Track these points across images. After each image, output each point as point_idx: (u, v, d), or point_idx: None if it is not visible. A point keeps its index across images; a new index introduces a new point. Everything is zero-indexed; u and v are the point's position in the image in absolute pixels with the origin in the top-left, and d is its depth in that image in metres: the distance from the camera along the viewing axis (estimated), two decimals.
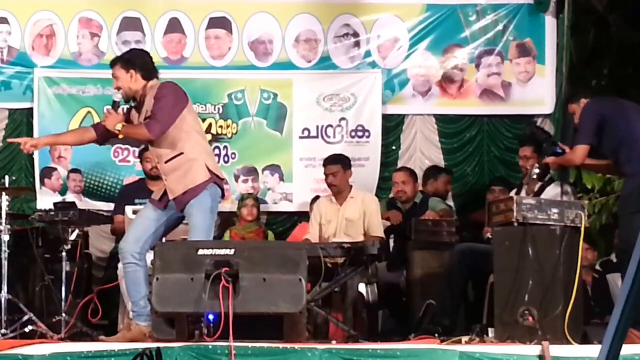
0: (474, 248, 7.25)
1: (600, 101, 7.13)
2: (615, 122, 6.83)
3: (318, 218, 8.05)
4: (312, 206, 8.77)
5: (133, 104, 6.47)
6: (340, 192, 8.04)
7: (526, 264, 6.13)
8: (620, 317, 2.77)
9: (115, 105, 6.38)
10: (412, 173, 8.62)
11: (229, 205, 9.20)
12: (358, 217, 7.90)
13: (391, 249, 8.23)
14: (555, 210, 6.26)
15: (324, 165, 8.21)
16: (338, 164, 8.08)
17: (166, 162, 6.33)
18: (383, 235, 7.91)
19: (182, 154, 6.32)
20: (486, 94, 9.46)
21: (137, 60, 6.43)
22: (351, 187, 8.11)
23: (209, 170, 6.33)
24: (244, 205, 8.78)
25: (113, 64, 6.48)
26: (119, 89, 6.36)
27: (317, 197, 8.75)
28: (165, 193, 6.36)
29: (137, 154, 9.00)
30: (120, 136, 6.41)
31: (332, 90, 9.36)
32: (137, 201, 8.12)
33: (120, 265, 7.76)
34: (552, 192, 7.29)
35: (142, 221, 6.39)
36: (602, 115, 6.86)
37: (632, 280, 2.74)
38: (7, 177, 7.48)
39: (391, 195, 8.79)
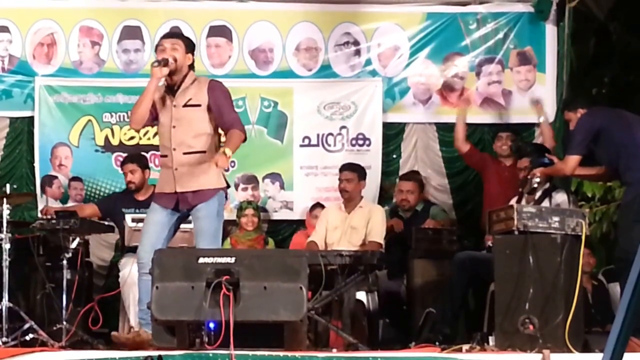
0: (474, 256, 7.27)
1: (596, 112, 7.17)
2: (613, 132, 6.88)
3: (325, 222, 8.15)
4: (310, 213, 8.81)
5: (162, 83, 6.44)
6: (351, 199, 8.17)
7: (527, 272, 6.14)
8: (621, 325, 2.77)
9: (163, 62, 6.32)
10: (420, 183, 8.64)
11: (227, 214, 9.19)
12: (363, 225, 8.02)
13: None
14: (555, 219, 6.27)
15: (341, 170, 8.36)
16: (354, 172, 8.28)
17: (184, 153, 6.36)
18: (382, 242, 7.96)
19: (204, 152, 6.39)
20: (486, 102, 9.46)
21: (194, 50, 6.62)
22: (362, 197, 8.21)
23: (224, 178, 6.48)
24: (244, 215, 8.79)
25: (176, 36, 6.69)
26: (174, 59, 6.35)
27: (317, 204, 8.79)
28: (171, 190, 6.40)
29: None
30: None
31: (332, 98, 9.37)
32: (123, 210, 8.12)
33: (121, 273, 7.80)
34: (560, 198, 7.35)
35: (155, 227, 6.42)
36: (598, 128, 6.93)
37: (633, 289, 2.74)
38: (8, 185, 7.49)
39: (394, 201, 8.82)
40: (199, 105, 6.40)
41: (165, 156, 6.44)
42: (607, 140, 6.92)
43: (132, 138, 9.22)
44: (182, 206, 6.41)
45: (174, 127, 6.36)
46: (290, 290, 5.59)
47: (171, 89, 6.43)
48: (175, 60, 6.36)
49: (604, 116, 7.13)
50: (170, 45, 6.41)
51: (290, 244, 8.91)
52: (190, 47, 6.52)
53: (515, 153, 8.06)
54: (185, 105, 6.38)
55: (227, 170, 6.43)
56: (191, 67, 6.51)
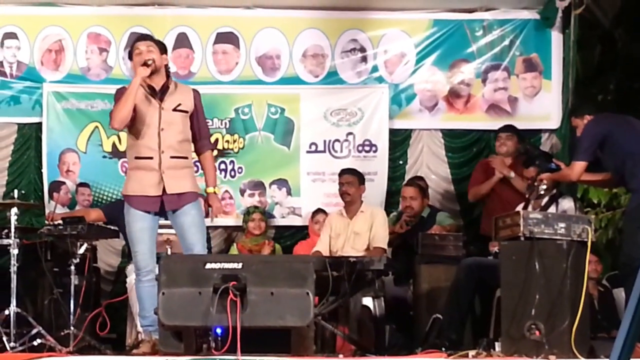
0: (480, 262, 7.28)
1: (602, 119, 7.19)
2: (619, 139, 6.90)
3: (329, 230, 8.18)
4: (312, 219, 8.83)
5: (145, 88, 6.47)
6: (352, 203, 8.20)
7: (533, 278, 6.14)
8: (627, 332, 2.79)
9: (148, 64, 6.36)
10: (421, 189, 8.65)
11: (233, 220, 9.24)
12: (366, 230, 8.04)
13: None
14: (561, 225, 6.27)
15: (340, 174, 8.38)
16: (355, 176, 8.31)
17: (171, 157, 6.40)
18: (385, 247, 7.98)
19: (186, 157, 6.47)
20: (492, 109, 9.49)
21: (166, 51, 6.69)
22: (362, 202, 8.23)
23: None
24: (251, 219, 8.84)
25: (148, 38, 6.67)
26: (153, 60, 6.38)
27: (319, 210, 8.81)
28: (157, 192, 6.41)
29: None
30: None
31: (339, 104, 9.40)
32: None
33: (129, 279, 7.81)
34: (567, 205, 7.36)
35: (148, 233, 6.42)
36: (604, 134, 6.95)
37: (639, 295, 2.76)
38: (15, 191, 7.52)
39: (399, 209, 8.83)
40: (186, 112, 6.49)
41: (150, 158, 6.40)
42: (613, 147, 6.93)
43: None
44: (168, 208, 6.42)
45: (162, 129, 6.38)
46: (297, 295, 5.60)
47: (154, 90, 6.45)
48: (154, 60, 6.39)
49: (611, 123, 7.14)
50: (145, 48, 6.44)
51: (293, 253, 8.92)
52: (163, 49, 6.57)
53: (523, 156, 8.06)
54: (175, 110, 6.43)
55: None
56: (167, 67, 6.55)
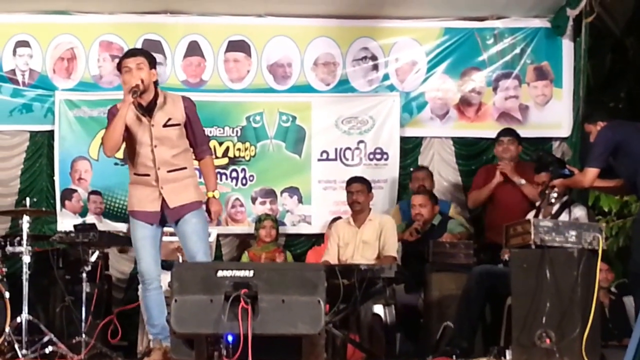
0: (491, 270, 7.28)
1: (616, 126, 7.18)
2: (632, 147, 6.89)
3: (336, 239, 8.16)
4: (329, 228, 8.82)
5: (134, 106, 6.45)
6: (361, 211, 8.18)
7: (543, 286, 6.15)
8: (639, 340, 2.79)
9: (135, 92, 6.31)
10: (431, 196, 8.64)
11: (246, 227, 9.25)
12: (374, 239, 8.02)
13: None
14: (572, 233, 6.28)
15: (349, 183, 8.36)
16: (364, 184, 8.28)
17: (168, 171, 6.42)
18: (396, 255, 7.98)
19: (185, 168, 6.48)
20: (503, 117, 9.49)
21: (156, 64, 6.59)
22: (370, 210, 8.22)
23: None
24: (262, 227, 8.86)
25: (138, 53, 6.53)
26: (142, 80, 6.33)
27: (337, 218, 8.80)
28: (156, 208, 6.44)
29: None
30: None
31: (350, 112, 9.42)
32: None
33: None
34: (579, 213, 7.36)
35: (150, 242, 6.47)
36: (618, 141, 6.94)
37: None
38: (27, 199, 7.55)
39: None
40: (178, 125, 6.47)
41: (147, 175, 6.45)
42: (626, 155, 6.93)
43: None
44: (170, 220, 6.48)
45: (155, 146, 6.39)
46: (308, 303, 5.60)
47: (143, 107, 6.43)
48: (143, 81, 6.34)
49: (624, 130, 7.13)
50: (135, 66, 6.37)
51: (305, 260, 8.93)
52: (153, 63, 6.50)
53: (536, 162, 8.06)
54: (165, 125, 6.42)
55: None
56: (155, 83, 6.49)
